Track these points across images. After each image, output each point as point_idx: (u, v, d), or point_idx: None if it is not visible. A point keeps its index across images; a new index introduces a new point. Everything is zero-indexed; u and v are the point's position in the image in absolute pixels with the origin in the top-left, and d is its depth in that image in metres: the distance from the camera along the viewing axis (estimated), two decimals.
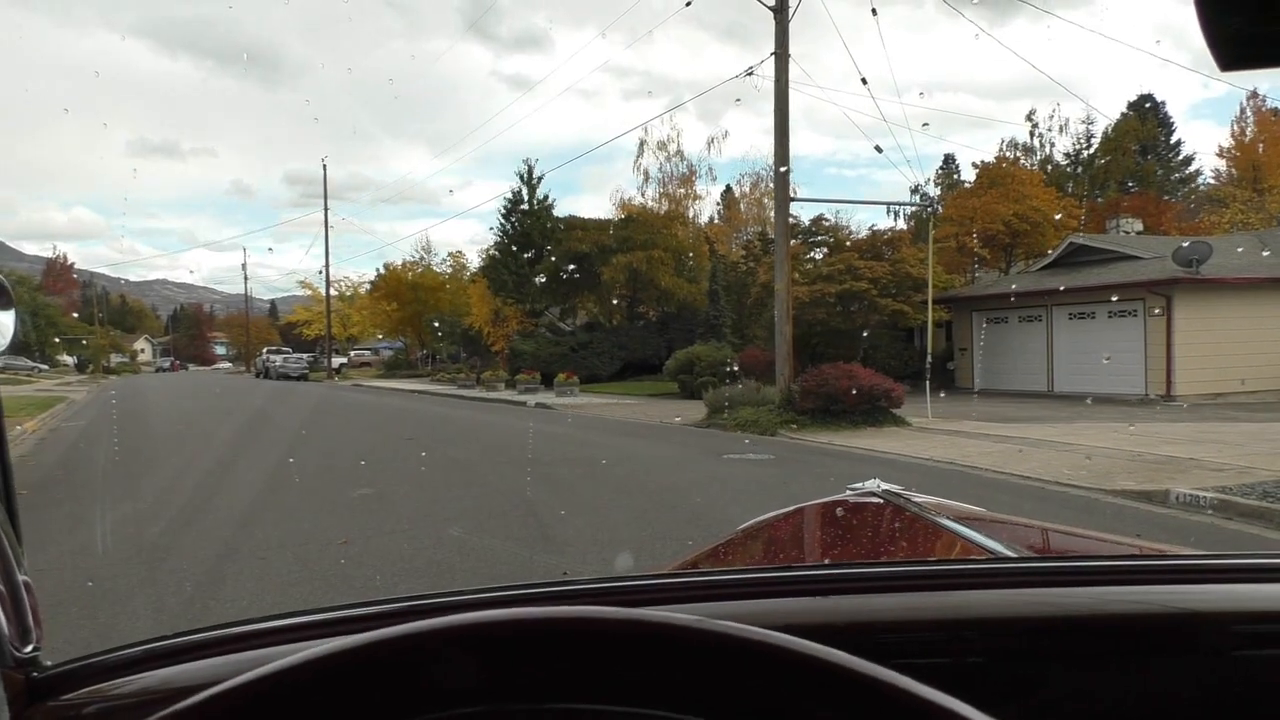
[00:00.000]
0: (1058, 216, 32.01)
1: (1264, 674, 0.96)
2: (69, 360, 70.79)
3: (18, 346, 60.06)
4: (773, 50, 17.15)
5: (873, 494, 2.20)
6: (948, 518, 1.86)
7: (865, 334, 26.10)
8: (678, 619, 0.59)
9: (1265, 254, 23.66)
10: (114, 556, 6.74)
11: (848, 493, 2.28)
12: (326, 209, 52.78)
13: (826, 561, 1.83)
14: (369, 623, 0.93)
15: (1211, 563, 1.17)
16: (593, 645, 0.59)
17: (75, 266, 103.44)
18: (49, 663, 0.91)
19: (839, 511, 2.18)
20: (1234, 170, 43.24)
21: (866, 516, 2.10)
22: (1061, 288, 23.53)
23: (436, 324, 43.99)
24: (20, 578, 0.80)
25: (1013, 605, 1.02)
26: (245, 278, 79.03)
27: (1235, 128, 44.54)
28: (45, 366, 62.00)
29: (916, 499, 2.10)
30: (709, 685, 0.57)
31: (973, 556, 1.51)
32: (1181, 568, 1.17)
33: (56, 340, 66.75)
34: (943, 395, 21.49)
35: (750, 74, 17.42)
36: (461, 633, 0.60)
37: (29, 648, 0.84)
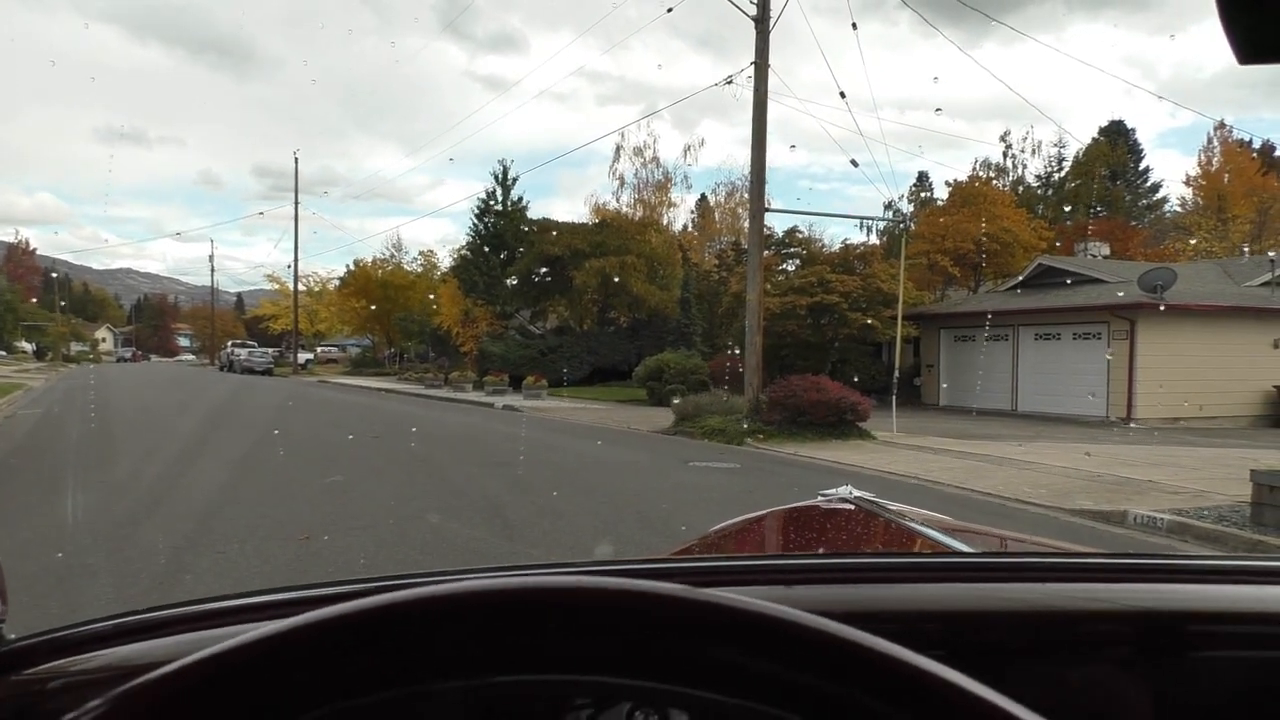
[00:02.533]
0: (1024, 237, 32.40)
1: (1217, 674, 0.97)
2: (27, 347, 69.69)
3: None
4: (752, 60, 17.24)
5: (844, 500, 2.21)
6: (917, 523, 1.88)
7: (835, 346, 26.26)
8: (664, 587, 0.59)
9: (1256, 283, 24.11)
10: (68, 546, 6.63)
11: (819, 499, 2.29)
12: (297, 203, 52.38)
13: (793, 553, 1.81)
14: (342, 601, 0.93)
15: (1175, 563, 1.19)
16: (578, 615, 0.59)
17: (37, 252, 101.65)
18: (12, 635, 0.90)
19: (810, 515, 2.19)
20: (1200, 199, 44.02)
21: (839, 520, 2.10)
22: (1028, 308, 23.84)
23: (406, 322, 43.72)
24: None
25: (975, 599, 1.03)
26: (212, 269, 77.97)
27: (1202, 157, 45.40)
28: (3, 353, 60.95)
29: (888, 506, 2.11)
30: (691, 656, 0.58)
31: (944, 551, 1.52)
32: (1141, 567, 1.17)
33: (15, 327, 65.71)
34: (909, 410, 21.67)
35: (729, 82, 17.54)
36: (443, 603, 0.59)
37: None
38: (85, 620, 0.95)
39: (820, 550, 1.97)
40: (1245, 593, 1.08)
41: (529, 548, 6.94)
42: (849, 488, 2.35)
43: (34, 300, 76.15)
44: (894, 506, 2.14)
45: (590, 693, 0.63)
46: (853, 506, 2.16)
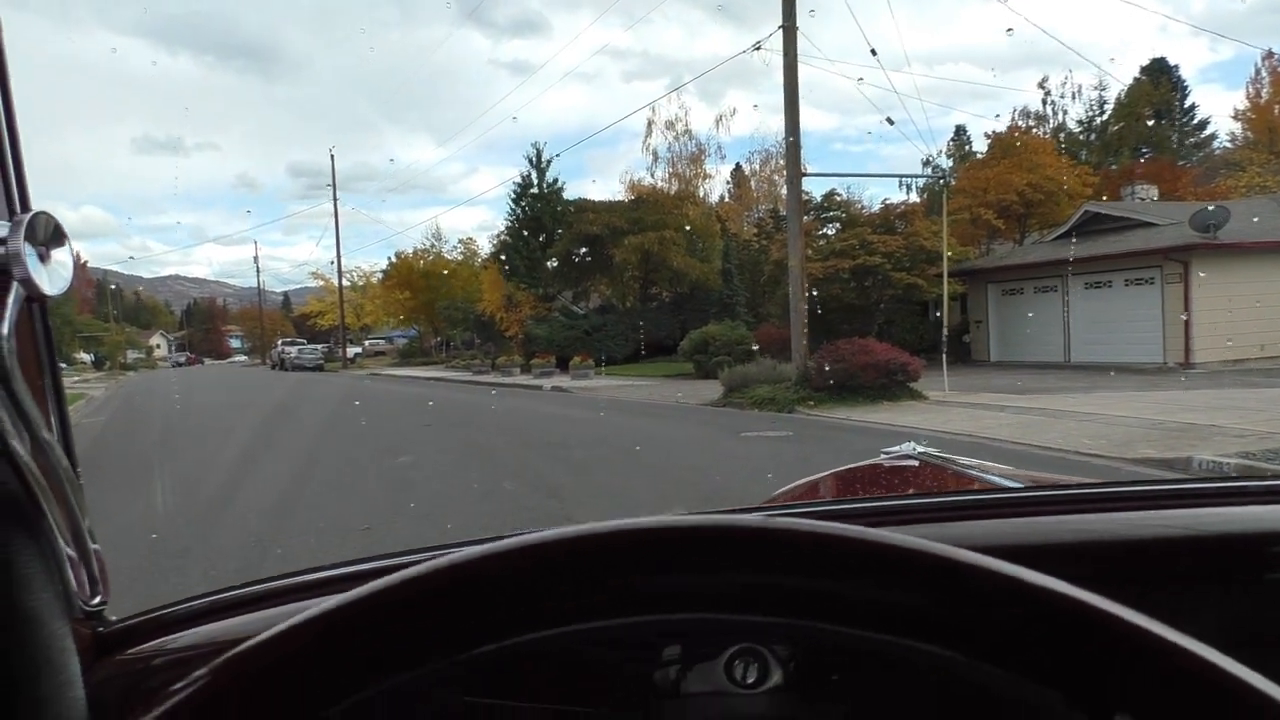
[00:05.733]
0: (1065, 185, 31.72)
1: None
2: (86, 358, 71.22)
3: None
4: (780, 24, 17.02)
5: (909, 456, 2.16)
6: (992, 474, 1.84)
7: (881, 307, 26.00)
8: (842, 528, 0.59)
9: None
10: (143, 558, 6.79)
11: (882, 456, 2.24)
12: (336, 199, 52.90)
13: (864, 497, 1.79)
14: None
15: (1249, 484, 1.18)
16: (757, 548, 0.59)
17: (88, 265, 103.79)
18: (114, 617, 0.92)
19: (876, 473, 2.15)
20: (1250, 133, 42.69)
21: (906, 476, 2.06)
22: (1076, 257, 23.38)
23: (450, 310, 44.01)
24: (86, 531, 0.81)
25: (1072, 530, 1.03)
26: (258, 270, 79.27)
27: (1250, 89, 43.97)
28: (64, 365, 62.32)
29: (955, 460, 2.07)
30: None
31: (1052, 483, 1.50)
32: (1232, 489, 1.17)
33: (73, 339, 67.19)
34: (959, 368, 21.42)
35: (758, 48, 17.31)
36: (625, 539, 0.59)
37: (96, 601, 0.85)
38: (181, 599, 0.98)
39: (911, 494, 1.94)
40: None
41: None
42: (913, 444, 2.27)
43: (89, 313, 77.88)
44: (961, 460, 2.09)
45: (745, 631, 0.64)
46: (918, 463, 2.11)
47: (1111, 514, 1.07)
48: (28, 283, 0.69)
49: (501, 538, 1.05)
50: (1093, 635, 0.54)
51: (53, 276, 0.72)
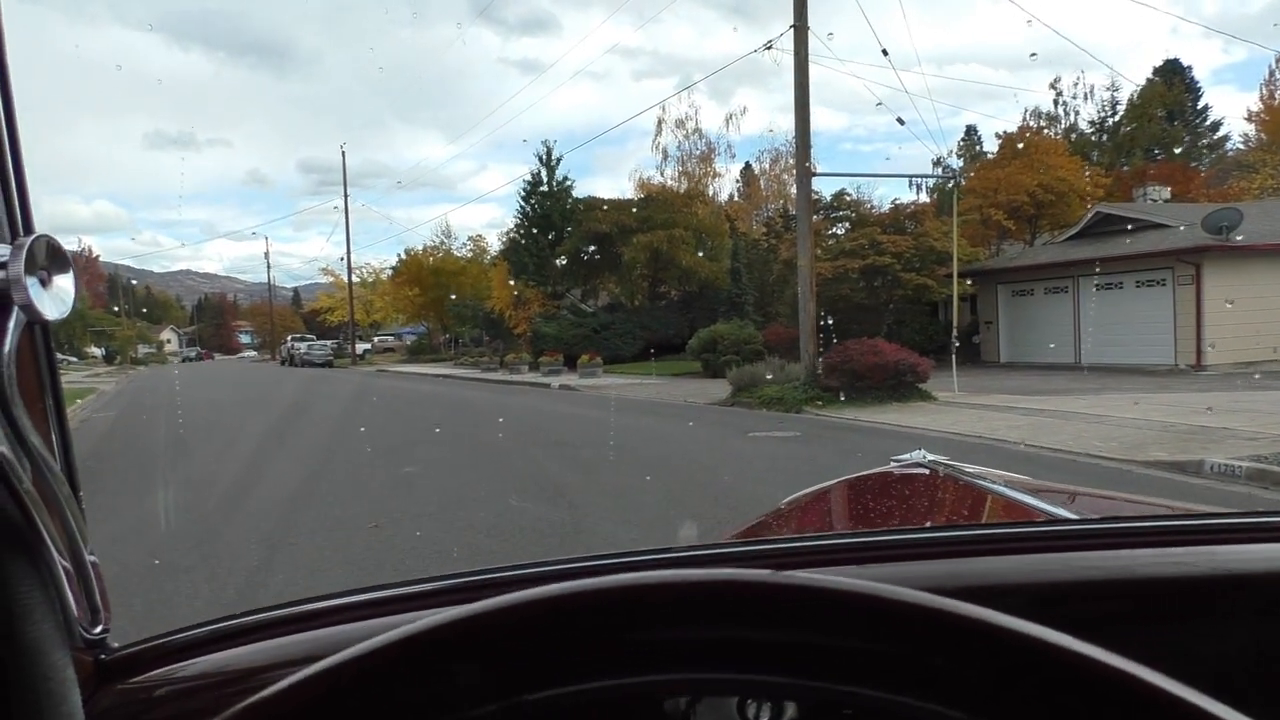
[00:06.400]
0: (1076, 186, 31.55)
1: None
2: (97, 352, 71.52)
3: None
4: (791, 24, 16.97)
5: (919, 465, 2.15)
6: (1000, 484, 1.81)
7: (890, 308, 25.93)
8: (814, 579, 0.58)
9: None
10: (142, 554, 6.80)
11: (892, 464, 2.23)
12: (346, 195, 52.97)
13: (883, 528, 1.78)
14: (437, 598, 0.95)
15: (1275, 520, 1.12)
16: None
17: (100, 259, 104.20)
18: (116, 644, 0.91)
19: (886, 482, 2.13)
20: (1263, 135, 42.43)
21: (917, 486, 2.04)
22: (1087, 258, 23.28)
23: (459, 307, 44.07)
24: (88, 557, 0.79)
25: (1085, 569, 0.99)
26: (268, 266, 79.59)
27: (1264, 90, 43.70)
28: (74, 359, 62.67)
29: (965, 469, 2.05)
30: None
31: (1033, 519, 1.46)
32: (1250, 525, 1.12)
33: (84, 333, 67.45)
34: (969, 369, 21.34)
35: (769, 48, 17.26)
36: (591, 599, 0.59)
37: (98, 629, 0.84)
38: (185, 626, 0.97)
39: (898, 519, 1.93)
40: None
41: (594, 531, 6.97)
42: (922, 451, 2.28)
43: (100, 307, 78.19)
44: (970, 469, 2.07)
45: (690, 690, 0.63)
46: (928, 471, 2.10)
47: (1121, 551, 1.03)
48: (29, 308, 0.69)
49: (503, 571, 1.01)
50: (1081, 688, 0.52)
51: (54, 301, 0.71)
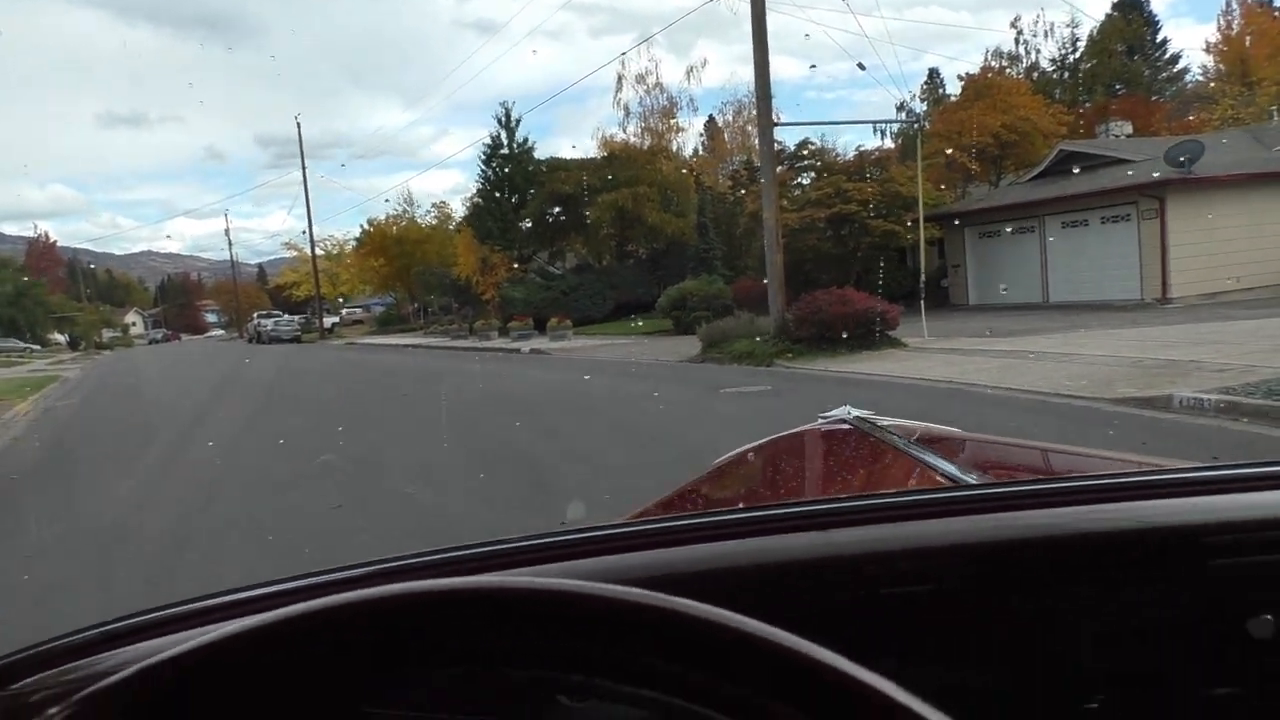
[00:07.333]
0: (1043, 123, 31.45)
1: (1233, 585, 0.94)
2: (61, 339, 70.51)
3: (8, 328, 59.84)
4: None
5: (843, 421, 2.16)
6: (917, 442, 1.81)
7: (858, 256, 25.82)
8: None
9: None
10: (100, 543, 6.61)
11: (819, 421, 2.25)
12: (305, 166, 52.12)
13: (785, 498, 1.80)
14: (295, 596, 0.91)
15: (1179, 476, 1.12)
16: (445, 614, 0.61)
17: (58, 244, 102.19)
18: None
19: (808, 441, 2.17)
20: (1222, 66, 42.49)
21: (836, 445, 2.08)
22: (1052, 197, 23.24)
23: (426, 276, 43.52)
24: None
25: (975, 531, 0.99)
26: (230, 243, 78.53)
27: (1221, 22, 43.72)
28: (38, 346, 61.67)
29: (885, 424, 2.06)
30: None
31: (932, 487, 1.45)
32: (1144, 484, 1.12)
33: (46, 320, 66.42)
34: (939, 313, 21.33)
35: None
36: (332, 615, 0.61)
37: None
38: (72, 631, 0.93)
39: (818, 479, 2.01)
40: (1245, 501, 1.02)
41: (560, 498, 6.84)
42: (848, 408, 2.28)
43: (61, 293, 76.89)
44: (887, 422, 2.09)
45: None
46: (850, 427, 2.11)
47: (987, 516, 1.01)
48: None
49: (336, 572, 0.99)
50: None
51: None
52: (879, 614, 0.92)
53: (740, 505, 1.54)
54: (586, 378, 16.32)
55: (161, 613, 0.96)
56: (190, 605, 0.96)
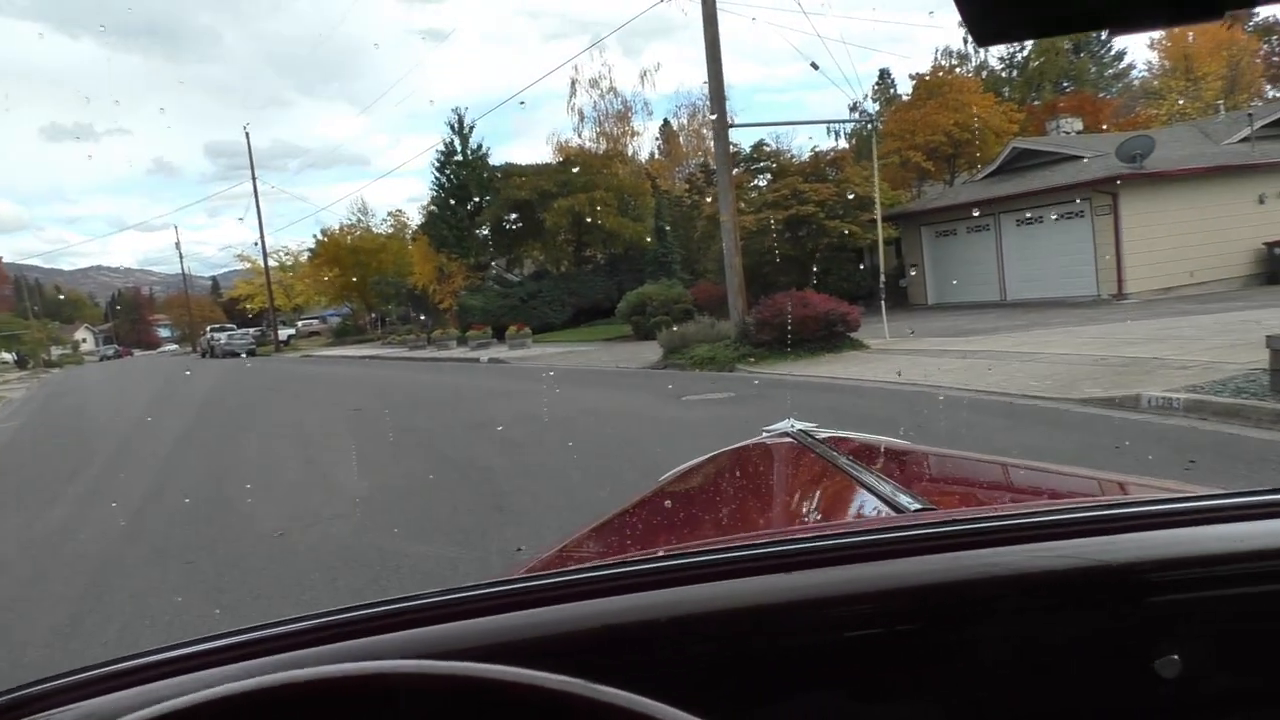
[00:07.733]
0: (995, 121, 31.66)
1: (1173, 623, 0.93)
2: (8, 357, 68.84)
3: None
4: None
5: (787, 434, 2.15)
6: (854, 458, 1.79)
7: (817, 257, 25.75)
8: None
9: (1235, 140, 23.62)
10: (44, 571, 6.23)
11: (764, 435, 2.24)
12: (255, 177, 51.29)
13: (721, 521, 1.83)
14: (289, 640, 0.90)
15: (1118, 511, 1.07)
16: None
17: (3, 261, 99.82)
18: None
19: (749, 458, 2.18)
20: (1167, 62, 43.17)
21: (780, 462, 2.08)
22: (1006, 194, 23.31)
23: (382, 286, 42.87)
24: None
25: (913, 574, 0.95)
26: (181, 256, 77.24)
27: None
28: None
29: (825, 436, 2.06)
30: None
31: (864, 522, 1.44)
32: (1085, 520, 1.05)
33: None
34: (898, 313, 21.28)
35: None
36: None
37: None
38: (41, 679, 0.87)
39: (757, 501, 1.96)
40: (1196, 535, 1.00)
41: (518, 518, 6.55)
42: (791, 421, 2.28)
43: (7, 310, 75.02)
44: (827, 435, 2.08)
45: None
46: (793, 441, 2.10)
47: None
48: None
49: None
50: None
51: None
52: (789, 663, 0.89)
53: (659, 548, 1.42)
54: (547, 389, 16.01)
55: (100, 669, 0.89)
56: (149, 657, 0.90)
